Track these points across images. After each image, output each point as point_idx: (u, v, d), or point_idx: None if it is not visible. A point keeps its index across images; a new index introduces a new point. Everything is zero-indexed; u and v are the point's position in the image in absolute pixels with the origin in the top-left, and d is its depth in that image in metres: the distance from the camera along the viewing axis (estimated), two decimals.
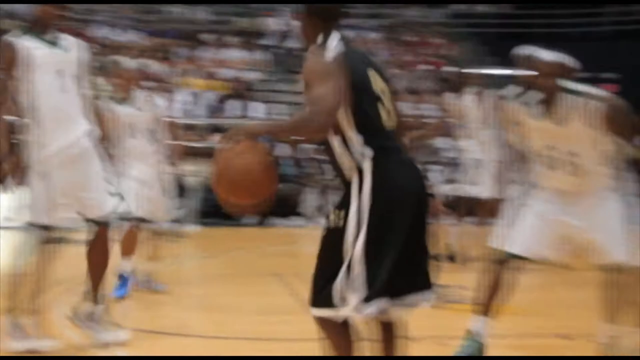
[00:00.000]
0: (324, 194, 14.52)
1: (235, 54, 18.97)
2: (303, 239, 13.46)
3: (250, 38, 19.70)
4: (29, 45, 5.02)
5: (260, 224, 14.06)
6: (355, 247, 3.26)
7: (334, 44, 3.40)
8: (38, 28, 5.10)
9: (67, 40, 5.21)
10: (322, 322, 3.51)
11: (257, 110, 17.01)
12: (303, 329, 6.07)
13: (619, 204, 4.67)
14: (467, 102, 8.91)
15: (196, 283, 7.90)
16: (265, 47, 19.59)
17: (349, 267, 3.27)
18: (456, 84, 9.09)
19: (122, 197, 5.37)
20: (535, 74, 4.52)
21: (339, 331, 3.47)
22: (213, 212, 14.08)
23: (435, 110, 17.34)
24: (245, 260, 9.82)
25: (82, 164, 5.14)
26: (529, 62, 4.53)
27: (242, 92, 17.30)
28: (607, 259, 4.65)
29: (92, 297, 5.30)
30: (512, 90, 4.66)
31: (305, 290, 7.38)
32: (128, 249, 7.12)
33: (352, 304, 3.28)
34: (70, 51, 5.17)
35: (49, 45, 5.09)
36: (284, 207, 14.47)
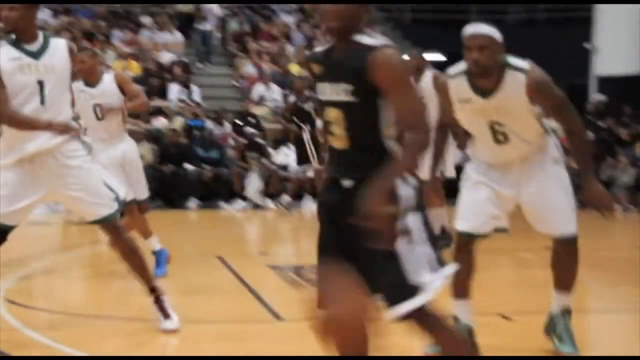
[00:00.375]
0: (267, 178, 14.50)
1: (173, 37, 18.78)
2: (246, 222, 13.44)
3: (188, 22, 19.53)
4: (7, 58, 4.81)
5: (203, 207, 13.98)
6: (414, 230, 3.22)
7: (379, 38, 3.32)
8: (20, 36, 4.88)
9: (53, 45, 4.97)
10: (420, 318, 3.23)
11: (195, 94, 16.87)
12: (243, 309, 6.10)
13: (562, 175, 4.69)
14: (426, 85, 8.94)
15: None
16: (203, 32, 19.43)
17: (412, 251, 3.21)
18: (414, 67, 9.10)
19: (118, 200, 5.23)
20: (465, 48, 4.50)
21: (441, 324, 3.28)
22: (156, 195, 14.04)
23: None
24: (187, 243, 9.75)
25: (73, 169, 4.98)
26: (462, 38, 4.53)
27: (179, 75, 17.14)
28: (554, 231, 4.68)
29: (148, 291, 5.28)
30: (457, 67, 4.65)
31: (246, 271, 7.42)
32: (145, 231, 7.27)
33: (432, 280, 3.21)
34: (55, 58, 4.93)
35: (31, 56, 4.87)
36: (227, 190, 14.41)
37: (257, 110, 16.52)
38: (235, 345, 5.05)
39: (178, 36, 18.88)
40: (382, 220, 3.07)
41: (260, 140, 15.29)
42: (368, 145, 3.29)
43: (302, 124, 14.39)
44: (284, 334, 5.41)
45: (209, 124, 15.60)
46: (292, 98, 15.82)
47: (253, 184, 14.35)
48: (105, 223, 5.11)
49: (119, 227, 5.18)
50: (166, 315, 5.25)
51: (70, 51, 5.04)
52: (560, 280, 4.79)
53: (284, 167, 14.90)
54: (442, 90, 4.74)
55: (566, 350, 4.75)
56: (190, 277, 7.30)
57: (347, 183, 3.30)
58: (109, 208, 5.09)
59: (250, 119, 15.98)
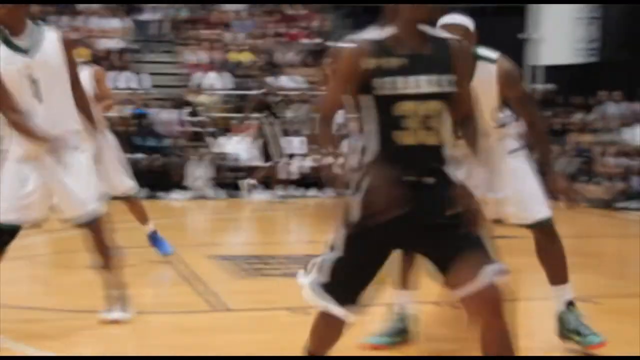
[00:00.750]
0: (208, 167, 14.47)
1: (113, 24, 18.61)
2: (187, 212, 13.39)
3: (129, 8, 19.36)
4: (1, 60, 4.76)
5: (145, 197, 13.90)
6: None
7: None
8: (11, 31, 4.80)
9: (46, 39, 4.88)
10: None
11: (139, 81, 16.76)
12: (189, 300, 6.12)
13: (525, 162, 4.71)
14: None
15: (80, 256, 7.74)
16: (146, 19, 19.29)
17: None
18: None
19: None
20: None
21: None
22: None
23: (301, 82, 17.52)
24: (128, 233, 9.69)
25: (71, 165, 4.94)
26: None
27: (121, 62, 17.00)
28: (531, 219, 4.66)
29: (114, 286, 5.29)
30: None
31: (192, 261, 7.40)
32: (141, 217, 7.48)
33: None
34: (47, 53, 4.85)
35: (23, 53, 4.80)
36: (167, 180, 14.35)
37: (200, 99, 16.47)
38: (183, 336, 5.08)
39: (122, 23, 18.70)
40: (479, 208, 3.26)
41: (204, 129, 15.25)
42: (447, 139, 3.31)
43: (266, 118, 14.42)
44: (231, 324, 5.45)
45: (152, 112, 15.51)
46: (257, 91, 15.87)
47: (197, 173, 14.32)
48: (84, 223, 5.09)
49: (101, 227, 5.15)
50: (123, 309, 5.27)
51: (65, 43, 4.95)
52: (552, 272, 4.71)
53: (229, 156, 14.91)
54: None
55: (594, 341, 4.61)
56: (135, 268, 7.27)
57: (430, 181, 3.27)
58: (97, 207, 5.10)
59: (193, 107, 15.93)
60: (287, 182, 14.74)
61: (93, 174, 5.13)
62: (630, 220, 12.44)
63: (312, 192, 14.89)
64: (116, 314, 5.24)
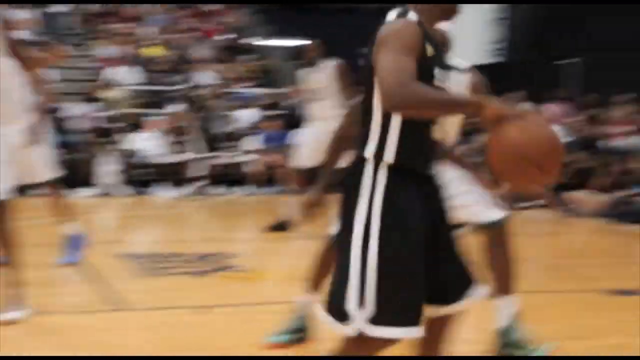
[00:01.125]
0: (117, 163, 14.30)
1: (21, 15, 18.21)
2: (94, 209, 13.18)
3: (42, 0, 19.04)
4: None
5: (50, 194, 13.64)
6: None
7: None
8: None
9: None
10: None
11: (47, 75, 16.41)
12: (91, 299, 6.03)
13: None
14: (321, 75, 8.98)
15: None
16: (57, 11, 18.98)
17: None
18: (310, 57, 9.14)
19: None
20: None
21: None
22: None
23: (214, 79, 17.47)
24: (30, 232, 9.51)
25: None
26: None
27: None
28: (485, 219, 4.61)
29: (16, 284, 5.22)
30: None
31: (95, 259, 7.28)
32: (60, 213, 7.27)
33: None
34: None
35: None
36: (74, 176, 14.11)
37: (111, 94, 16.26)
38: (84, 335, 5.01)
39: (30, 15, 18.34)
40: None
41: (114, 125, 15.09)
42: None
43: (188, 113, 14.32)
44: (132, 323, 5.38)
45: (61, 107, 15.25)
46: (169, 87, 15.79)
47: (105, 170, 14.15)
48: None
49: (4, 217, 5.06)
50: (18, 308, 5.17)
51: (6, 22, 4.96)
52: (500, 280, 4.55)
53: (138, 152, 14.77)
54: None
55: (547, 349, 4.58)
56: (36, 266, 7.13)
57: (434, 173, 3.14)
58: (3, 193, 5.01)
59: (103, 102, 15.75)
60: (201, 179, 14.70)
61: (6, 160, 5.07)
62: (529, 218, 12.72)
63: (222, 189, 14.86)
64: (12, 314, 5.14)
